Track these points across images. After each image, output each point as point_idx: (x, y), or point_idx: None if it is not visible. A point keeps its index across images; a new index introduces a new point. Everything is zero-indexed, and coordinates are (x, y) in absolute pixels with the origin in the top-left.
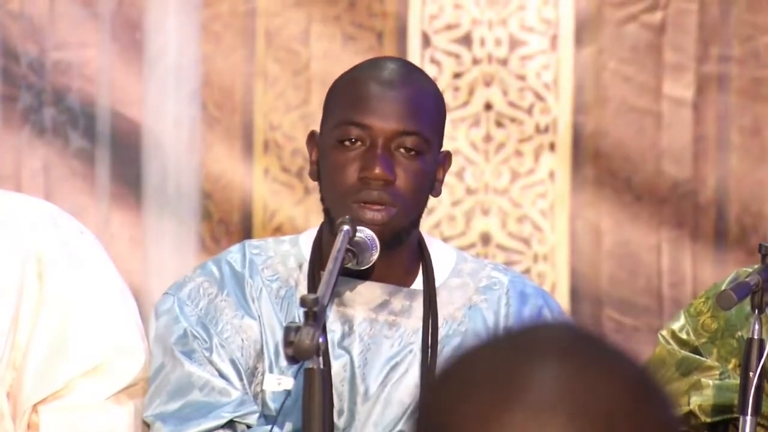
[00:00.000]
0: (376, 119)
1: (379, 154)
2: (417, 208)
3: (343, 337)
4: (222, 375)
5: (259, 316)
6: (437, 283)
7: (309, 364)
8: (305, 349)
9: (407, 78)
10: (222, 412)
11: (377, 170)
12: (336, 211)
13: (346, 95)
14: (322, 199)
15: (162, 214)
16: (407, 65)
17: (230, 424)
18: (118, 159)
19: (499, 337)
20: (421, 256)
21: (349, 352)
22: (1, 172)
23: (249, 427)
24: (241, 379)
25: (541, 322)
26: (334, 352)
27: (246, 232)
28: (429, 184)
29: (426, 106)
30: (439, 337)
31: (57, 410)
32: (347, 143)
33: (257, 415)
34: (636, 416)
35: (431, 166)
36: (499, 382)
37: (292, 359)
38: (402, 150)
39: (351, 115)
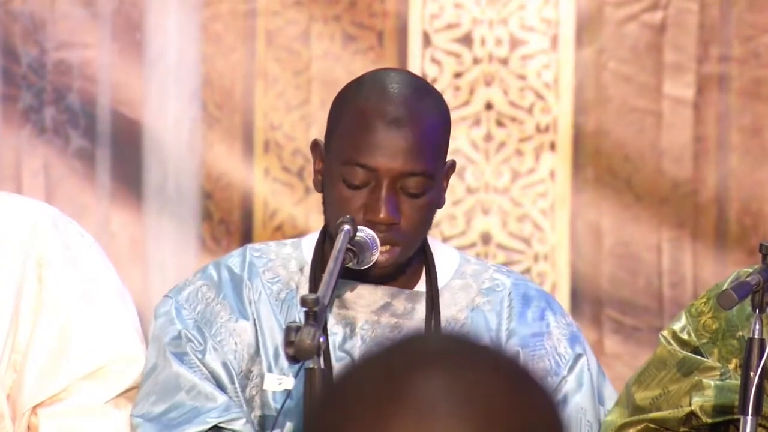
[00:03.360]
0: (382, 160)
1: (384, 197)
2: (421, 238)
3: (345, 339)
4: (214, 377)
5: (255, 319)
6: (440, 285)
7: (310, 364)
8: (306, 349)
9: (415, 111)
10: (207, 417)
11: (382, 214)
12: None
13: (352, 129)
14: (326, 218)
15: (162, 214)
16: (415, 91)
17: (216, 429)
18: (118, 159)
19: (379, 350)
20: (424, 258)
21: (350, 354)
22: (2, 172)
23: None
24: (232, 383)
25: (418, 333)
26: (335, 354)
27: (246, 232)
28: (434, 211)
29: (432, 141)
30: None
31: (56, 415)
32: (353, 183)
33: (243, 420)
34: (514, 411)
35: (436, 194)
36: (382, 392)
37: (293, 359)
38: (408, 189)
39: (357, 155)
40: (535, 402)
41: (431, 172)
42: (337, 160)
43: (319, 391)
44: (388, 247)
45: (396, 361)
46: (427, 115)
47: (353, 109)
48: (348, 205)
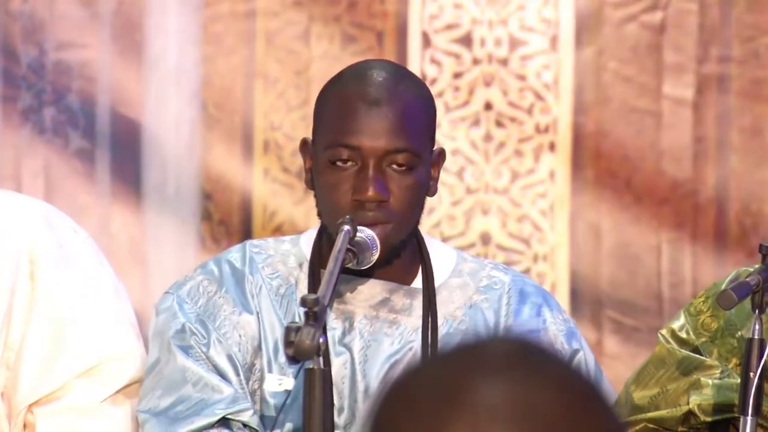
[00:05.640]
0: (365, 139)
1: (371, 175)
2: (413, 220)
3: (344, 334)
4: (218, 370)
5: (257, 312)
6: (438, 283)
7: (309, 364)
8: (306, 350)
9: (394, 91)
10: (215, 409)
11: (370, 192)
12: (332, 227)
13: (335, 114)
14: (318, 210)
15: (162, 214)
16: (394, 74)
17: (224, 421)
18: (118, 159)
19: (444, 352)
20: (420, 255)
21: (349, 349)
22: (2, 172)
23: (244, 425)
24: (237, 375)
25: (487, 336)
26: (334, 349)
27: (246, 232)
28: (424, 192)
29: (414, 119)
30: (439, 336)
31: (53, 414)
32: (339, 164)
33: (251, 412)
34: (575, 423)
35: (424, 175)
36: (442, 396)
37: (293, 359)
38: (394, 166)
39: (340, 137)
40: (597, 416)
41: (416, 149)
42: (323, 146)
43: (382, 387)
44: (377, 225)
45: (459, 365)
46: (407, 94)
47: (334, 96)
48: (336, 188)
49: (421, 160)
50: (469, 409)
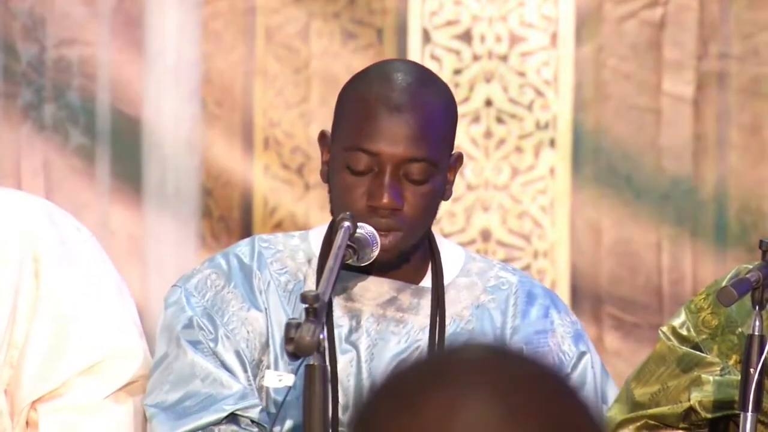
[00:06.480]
0: (384, 145)
1: (387, 183)
2: (425, 227)
3: (351, 332)
4: (226, 366)
5: (265, 309)
6: (446, 282)
7: (310, 361)
8: (305, 346)
9: (417, 98)
10: (223, 405)
11: (385, 200)
12: None
13: (356, 115)
14: (331, 207)
15: (162, 211)
16: (419, 79)
17: (232, 417)
18: (118, 156)
19: (428, 357)
20: (430, 254)
21: (356, 347)
22: (2, 170)
23: (252, 421)
24: (245, 371)
25: (466, 342)
26: (341, 346)
27: (246, 229)
28: (438, 199)
29: (435, 127)
30: (446, 335)
31: (56, 410)
32: (356, 168)
33: (259, 408)
34: (548, 412)
35: (440, 182)
36: (427, 398)
37: (293, 356)
38: (410, 175)
39: (360, 141)
40: (573, 413)
41: (434, 159)
42: (342, 147)
43: (366, 387)
44: (389, 232)
45: (442, 368)
46: (430, 102)
47: (357, 96)
48: (352, 191)
49: (439, 170)
50: (446, 388)
